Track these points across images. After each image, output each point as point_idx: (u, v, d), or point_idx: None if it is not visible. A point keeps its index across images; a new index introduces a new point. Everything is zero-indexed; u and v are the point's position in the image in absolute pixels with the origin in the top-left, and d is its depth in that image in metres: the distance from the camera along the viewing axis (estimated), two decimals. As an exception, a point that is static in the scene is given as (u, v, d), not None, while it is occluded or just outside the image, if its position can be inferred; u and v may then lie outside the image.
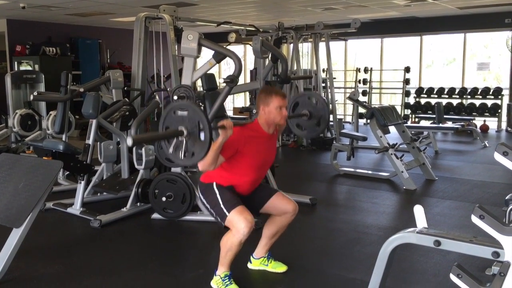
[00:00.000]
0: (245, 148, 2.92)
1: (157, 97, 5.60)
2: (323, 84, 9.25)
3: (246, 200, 3.04)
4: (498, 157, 1.88)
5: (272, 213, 3.17)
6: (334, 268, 3.45)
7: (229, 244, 2.88)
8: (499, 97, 10.82)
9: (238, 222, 2.80)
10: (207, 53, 4.85)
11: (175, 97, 4.33)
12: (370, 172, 6.53)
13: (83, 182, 4.63)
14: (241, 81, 5.94)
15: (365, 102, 10.76)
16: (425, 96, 11.71)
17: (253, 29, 7.64)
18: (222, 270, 2.99)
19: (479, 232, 1.98)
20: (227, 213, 2.85)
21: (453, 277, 1.99)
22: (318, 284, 3.18)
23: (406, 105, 12.00)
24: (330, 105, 9.01)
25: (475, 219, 1.91)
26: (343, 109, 13.31)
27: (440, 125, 9.05)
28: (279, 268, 3.30)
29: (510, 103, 10.74)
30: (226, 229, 2.93)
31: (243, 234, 2.80)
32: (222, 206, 2.88)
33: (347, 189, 5.87)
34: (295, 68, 8.69)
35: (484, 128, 10.78)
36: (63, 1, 8.66)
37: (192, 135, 2.66)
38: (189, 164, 2.92)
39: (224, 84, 4.21)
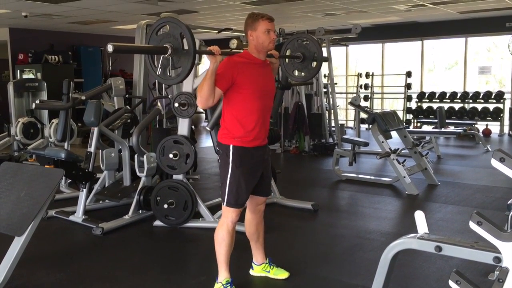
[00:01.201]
0: (240, 76, 2.85)
1: (158, 104, 5.61)
2: (325, 90, 9.25)
3: (262, 176, 3.04)
4: (495, 163, 1.88)
5: (251, 205, 3.15)
6: (336, 274, 3.44)
7: (220, 236, 2.96)
8: (501, 101, 10.81)
9: (227, 216, 2.95)
10: (208, 60, 4.87)
11: (176, 105, 4.34)
12: (372, 177, 6.52)
13: (85, 190, 4.64)
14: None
15: (367, 107, 10.76)
16: (427, 100, 11.71)
17: (254, 35, 7.66)
18: (223, 276, 2.99)
19: (481, 237, 1.98)
20: (225, 202, 2.95)
21: (452, 284, 1.99)
22: (320, 291, 3.17)
23: (408, 110, 12.00)
24: (332, 110, 9.04)
25: (473, 226, 1.91)
26: (345, 115, 13.32)
27: (442, 129, 9.04)
28: (281, 274, 3.29)
29: (512, 107, 10.73)
30: None
31: (231, 220, 2.94)
32: (226, 192, 2.94)
33: (349, 195, 5.86)
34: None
35: (487, 133, 10.76)
36: (65, 9, 8.71)
37: (176, 51, 2.64)
38: (178, 80, 2.87)
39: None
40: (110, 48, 2.51)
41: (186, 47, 2.67)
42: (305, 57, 3.70)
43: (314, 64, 3.74)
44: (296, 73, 3.83)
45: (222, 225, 2.97)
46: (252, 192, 3.05)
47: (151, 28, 2.79)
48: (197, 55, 4.22)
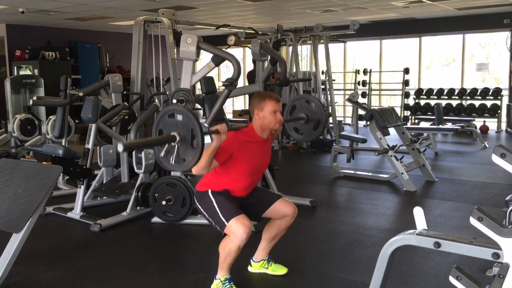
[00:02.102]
0: (240, 153, 2.92)
1: (156, 100, 5.60)
2: (323, 86, 9.25)
3: (247, 204, 3.04)
4: (496, 159, 1.88)
5: (273, 217, 3.17)
6: (335, 270, 3.45)
7: (227, 249, 2.87)
8: (499, 97, 10.83)
9: (236, 228, 2.80)
10: (206, 56, 4.86)
11: (174, 101, 4.33)
12: (370, 174, 6.53)
13: (83, 187, 4.63)
14: (240, 83, 5.94)
15: (365, 104, 10.76)
16: (425, 97, 11.72)
17: (252, 31, 7.64)
18: (222, 273, 2.98)
19: (480, 233, 1.98)
20: (226, 222, 2.84)
21: (452, 280, 1.99)
22: (319, 287, 3.18)
23: (406, 107, 12.00)
24: (330, 107, 9.03)
25: (473, 221, 1.91)
26: (343, 111, 13.32)
27: (440, 126, 9.04)
28: (279, 270, 3.29)
29: (510, 104, 10.74)
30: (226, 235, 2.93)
31: (241, 239, 2.79)
32: (220, 215, 2.87)
33: (347, 191, 5.87)
34: (294, 70, 8.69)
35: (484, 129, 10.78)
36: (62, 5, 8.68)
37: (184, 141, 2.65)
38: (179, 170, 2.91)
39: (223, 87, 4.21)
40: (120, 148, 2.50)
41: (195, 144, 2.64)
42: (308, 120, 3.73)
43: (315, 131, 3.77)
44: (294, 130, 3.87)
45: (232, 241, 2.82)
46: (265, 208, 3.10)
47: (164, 110, 2.78)
48: (195, 51, 4.24)
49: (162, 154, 2.72)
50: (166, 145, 2.69)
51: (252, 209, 3.07)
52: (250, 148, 2.96)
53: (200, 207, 3.02)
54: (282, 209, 3.13)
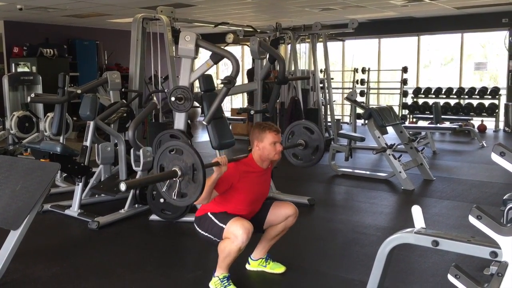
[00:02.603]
0: (240, 184, 2.94)
1: (154, 98, 5.59)
2: (321, 85, 9.24)
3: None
4: (495, 157, 1.88)
5: (276, 223, 3.15)
6: (333, 268, 3.45)
7: (227, 250, 2.86)
8: (497, 97, 10.84)
9: (236, 229, 2.80)
10: (204, 54, 4.85)
11: (173, 99, 4.33)
12: (368, 172, 6.53)
13: (80, 184, 4.62)
14: (239, 81, 5.94)
15: (363, 102, 10.77)
16: (423, 96, 11.73)
17: (251, 29, 7.63)
18: (220, 271, 2.98)
19: (477, 232, 1.98)
20: (223, 226, 2.85)
21: (451, 278, 1.99)
22: (317, 285, 3.18)
23: (404, 105, 12.01)
24: (328, 105, 9.03)
25: (472, 220, 1.91)
26: (341, 110, 13.32)
27: (438, 125, 9.07)
28: (277, 269, 3.29)
29: (508, 103, 10.76)
30: None
31: (241, 241, 2.78)
32: (218, 223, 2.88)
33: (345, 190, 5.87)
34: (292, 68, 8.69)
35: (482, 128, 10.79)
36: (60, 2, 8.66)
37: (186, 176, 2.66)
38: (181, 205, 2.92)
39: (222, 85, 4.20)
40: (123, 187, 2.49)
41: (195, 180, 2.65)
42: (307, 146, 3.75)
43: (313, 157, 3.80)
44: (294, 156, 3.88)
45: (232, 243, 2.81)
46: (263, 219, 3.13)
47: (165, 146, 2.77)
48: (193, 49, 4.23)
49: (164, 189, 2.73)
50: (168, 180, 2.70)
51: (252, 223, 3.04)
52: (250, 179, 2.99)
53: (199, 230, 3.01)
54: (282, 211, 3.13)
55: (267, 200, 3.21)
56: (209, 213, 2.97)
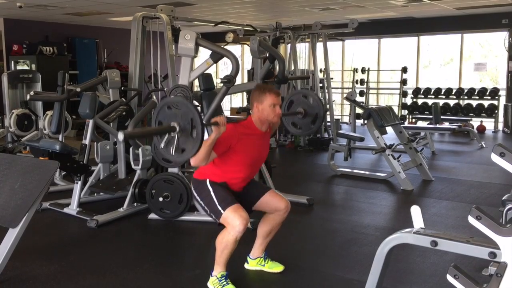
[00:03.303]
0: (238, 145, 2.93)
1: (154, 97, 5.58)
2: (321, 85, 9.25)
3: (239, 197, 3.05)
4: (495, 158, 1.88)
5: (265, 210, 3.17)
6: (331, 268, 3.45)
7: (224, 242, 2.88)
8: (496, 97, 10.84)
9: (233, 220, 2.81)
10: (204, 53, 4.85)
11: (173, 105, 4.32)
12: (367, 172, 6.53)
13: (79, 182, 4.62)
14: (238, 81, 5.94)
15: (362, 102, 10.76)
16: (422, 96, 11.72)
17: (251, 29, 7.63)
18: (218, 270, 2.98)
19: (476, 232, 1.98)
20: (222, 211, 2.86)
21: (450, 278, 1.99)
22: (315, 284, 3.18)
23: (403, 106, 12.01)
24: (328, 105, 9.03)
25: (472, 220, 1.91)
26: (340, 110, 13.32)
27: (437, 125, 9.07)
28: (276, 268, 3.29)
29: (507, 104, 10.76)
30: (221, 226, 2.94)
31: (238, 231, 2.81)
32: (216, 204, 2.89)
33: (344, 190, 5.87)
34: (292, 68, 8.69)
35: (481, 129, 10.80)
36: (60, 0, 8.64)
37: (184, 132, 2.66)
38: (179, 160, 2.91)
39: (221, 84, 4.20)
40: (121, 136, 2.50)
41: (194, 134, 2.67)
42: (306, 114, 3.73)
43: (313, 126, 3.79)
44: (293, 125, 3.87)
45: (229, 233, 2.83)
46: (255, 200, 3.11)
47: (164, 102, 2.76)
48: (193, 48, 4.23)
49: (162, 145, 2.73)
50: (166, 136, 2.70)
51: (243, 200, 3.06)
52: (248, 140, 2.98)
53: (196, 194, 3.03)
54: (275, 204, 3.13)
55: (265, 185, 3.22)
56: (208, 182, 2.96)
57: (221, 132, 2.80)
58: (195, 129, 2.63)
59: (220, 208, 2.87)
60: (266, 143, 3.20)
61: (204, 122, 4.48)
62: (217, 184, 2.97)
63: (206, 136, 2.78)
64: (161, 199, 4.31)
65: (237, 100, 14.54)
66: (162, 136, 2.74)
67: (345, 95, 9.40)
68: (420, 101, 11.78)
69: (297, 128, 3.88)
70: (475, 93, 11.01)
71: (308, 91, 3.99)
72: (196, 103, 5.39)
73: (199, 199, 3.01)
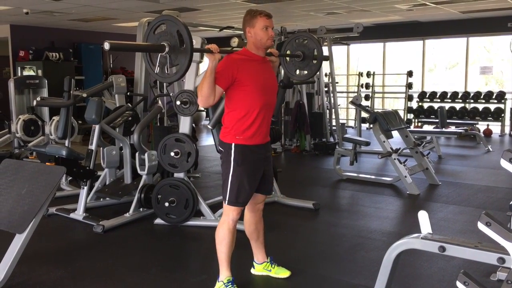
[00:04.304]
0: (241, 74, 2.84)
1: (159, 102, 5.60)
2: (326, 89, 9.25)
3: (264, 174, 3.02)
4: (504, 163, 1.87)
5: (249, 202, 3.11)
6: (338, 273, 3.43)
7: (221, 235, 2.95)
8: (502, 101, 10.79)
9: (230, 212, 2.94)
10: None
11: (178, 102, 4.33)
12: (373, 177, 6.51)
13: (86, 188, 4.63)
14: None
15: (368, 106, 10.75)
16: (428, 100, 11.70)
17: (256, 34, 7.66)
18: (224, 275, 2.98)
19: (484, 237, 1.97)
20: (226, 201, 2.93)
21: (459, 285, 1.97)
22: (322, 290, 3.17)
23: (409, 110, 11.99)
24: (333, 109, 9.03)
25: (481, 226, 1.89)
26: (346, 114, 13.31)
27: (443, 129, 9.04)
28: (282, 273, 3.28)
29: (514, 107, 10.71)
30: None
31: (232, 219, 2.92)
32: (228, 190, 2.92)
33: (350, 194, 5.85)
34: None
35: (487, 133, 10.75)
36: (66, 6, 8.70)
37: (174, 48, 2.64)
38: (175, 77, 2.83)
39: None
40: (107, 46, 2.51)
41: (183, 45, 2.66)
42: (305, 56, 3.69)
43: (315, 61, 3.72)
44: (298, 71, 3.82)
45: (223, 224, 2.96)
46: (259, 190, 3.06)
47: (149, 27, 2.77)
48: (198, 53, 4.24)
49: (157, 70, 2.73)
50: (158, 60, 2.69)
51: (263, 181, 3.06)
52: (249, 66, 2.89)
53: (222, 158, 2.99)
54: (258, 199, 3.13)
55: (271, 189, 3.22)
56: (233, 149, 2.89)
57: (217, 59, 2.73)
58: (182, 38, 2.60)
59: (227, 197, 2.92)
60: (270, 70, 3.07)
61: (210, 126, 4.51)
62: (241, 160, 2.88)
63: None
64: (167, 204, 4.31)
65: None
66: (154, 61, 2.73)
67: (350, 99, 9.39)
68: (426, 105, 11.76)
69: (302, 73, 3.82)
70: (481, 97, 10.97)
71: (300, 33, 3.94)
72: (202, 108, 5.40)
73: (222, 165, 2.99)
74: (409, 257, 3.50)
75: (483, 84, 12.32)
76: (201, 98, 2.79)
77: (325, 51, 8.85)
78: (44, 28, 11.40)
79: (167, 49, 2.65)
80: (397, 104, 12.89)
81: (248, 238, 3.27)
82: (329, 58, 8.61)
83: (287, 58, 3.77)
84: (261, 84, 2.92)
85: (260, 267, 3.30)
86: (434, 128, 10.18)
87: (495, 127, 11.00)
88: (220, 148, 3.02)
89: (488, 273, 3.18)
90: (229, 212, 2.95)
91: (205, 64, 5.32)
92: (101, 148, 4.92)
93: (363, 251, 3.84)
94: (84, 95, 5.44)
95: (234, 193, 2.91)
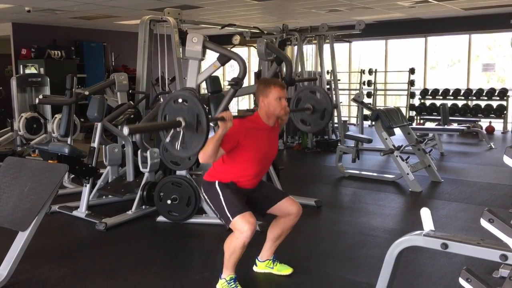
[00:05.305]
0: (246, 141, 2.90)
1: (161, 100, 5.60)
2: (328, 86, 9.23)
3: (253, 198, 3.04)
4: (507, 160, 1.86)
5: (276, 214, 3.17)
6: (340, 270, 3.43)
7: (232, 247, 2.87)
8: (505, 98, 10.76)
9: (242, 226, 2.80)
10: (211, 56, 4.85)
11: (180, 100, 4.33)
12: (375, 174, 6.51)
13: (88, 185, 4.63)
14: (245, 83, 5.94)
15: (370, 104, 10.73)
16: (430, 97, 11.66)
17: (258, 31, 7.64)
18: (227, 273, 2.98)
19: (486, 234, 1.97)
20: (231, 218, 2.84)
21: (462, 281, 1.97)
22: (324, 287, 3.17)
23: (411, 107, 11.96)
24: (335, 107, 9.01)
25: (484, 223, 1.89)
26: (348, 111, 13.29)
27: (446, 126, 9.02)
28: (284, 270, 3.29)
29: (516, 104, 10.68)
30: (230, 231, 2.93)
31: (246, 236, 2.79)
32: (226, 209, 2.87)
33: (352, 191, 5.85)
34: (299, 70, 8.68)
35: (490, 130, 10.73)
36: (68, 4, 8.70)
37: (189, 127, 2.65)
38: (184, 155, 2.88)
39: (229, 87, 4.20)
40: (126, 131, 2.53)
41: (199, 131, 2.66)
42: (314, 110, 3.72)
43: (321, 121, 3.78)
44: (301, 123, 3.86)
45: (237, 239, 2.83)
46: (271, 204, 3.10)
47: (170, 96, 2.77)
48: (200, 50, 4.24)
49: (168, 139, 2.73)
50: (172, 131, 2.69)
51: (258, 204, 3.08)
52: (256, 136, 2.94)
53: (206, 197, 3.02)
54: (287, 208, 3.12)
55: (282, 190, 3.21)
56: (217, 184, 2.94)
57: (228, 127, 2.74)
58: (201, 125, 2.61)
59: (229, 215, 2.85)
60: (275, 138, 3.16)
61: (211, 124, 4.49)
62: (226, 187, 2.94)
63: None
64: (169, 201, 4.32)
65: (245, 102, 14.54)
66: (168, 131, 2.73)
67: (352, 96, 9.39)
68: (428, 102, 11.72)
69: (307, 125, 3.86)
70: (484, 94, 10.93)
71: (315, 86, 3.97)
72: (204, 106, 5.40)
73: (209, 202, 3.00)
74: (411, 254, 3.50)
75: (485, 81, 12.29)
76: (203, 156, 2.78)
77: (327, 48, 8.86)
78: (46, 26, 11.40)
79: (183, 125, 2.66)
80: (399, 101, 12.86)
81: (261, 236, 3.26)
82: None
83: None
84: (263, 153, 3.01)
85: (263, 265, 3.31)
86: (436, 125, 10.15)
87: (498, 124, 10.96)
88: (202, 190, 3.05)
89: (491, 270, 3.18)
90: (241, 227, 2.80)
91: (207, 62, 5.32)
92: (103, 146, 4.92)
93: (365, 248, 3.84)
94: (86, 93, 5.45)
95: (232, 205, 2.87)
